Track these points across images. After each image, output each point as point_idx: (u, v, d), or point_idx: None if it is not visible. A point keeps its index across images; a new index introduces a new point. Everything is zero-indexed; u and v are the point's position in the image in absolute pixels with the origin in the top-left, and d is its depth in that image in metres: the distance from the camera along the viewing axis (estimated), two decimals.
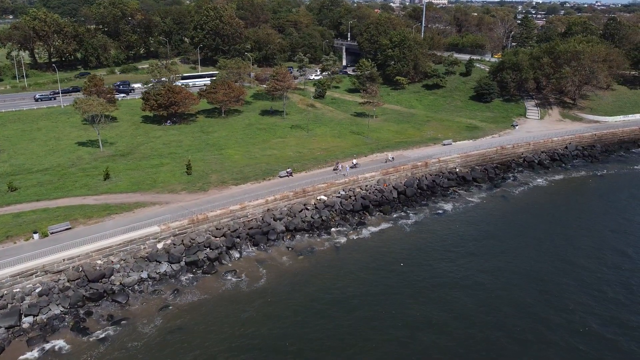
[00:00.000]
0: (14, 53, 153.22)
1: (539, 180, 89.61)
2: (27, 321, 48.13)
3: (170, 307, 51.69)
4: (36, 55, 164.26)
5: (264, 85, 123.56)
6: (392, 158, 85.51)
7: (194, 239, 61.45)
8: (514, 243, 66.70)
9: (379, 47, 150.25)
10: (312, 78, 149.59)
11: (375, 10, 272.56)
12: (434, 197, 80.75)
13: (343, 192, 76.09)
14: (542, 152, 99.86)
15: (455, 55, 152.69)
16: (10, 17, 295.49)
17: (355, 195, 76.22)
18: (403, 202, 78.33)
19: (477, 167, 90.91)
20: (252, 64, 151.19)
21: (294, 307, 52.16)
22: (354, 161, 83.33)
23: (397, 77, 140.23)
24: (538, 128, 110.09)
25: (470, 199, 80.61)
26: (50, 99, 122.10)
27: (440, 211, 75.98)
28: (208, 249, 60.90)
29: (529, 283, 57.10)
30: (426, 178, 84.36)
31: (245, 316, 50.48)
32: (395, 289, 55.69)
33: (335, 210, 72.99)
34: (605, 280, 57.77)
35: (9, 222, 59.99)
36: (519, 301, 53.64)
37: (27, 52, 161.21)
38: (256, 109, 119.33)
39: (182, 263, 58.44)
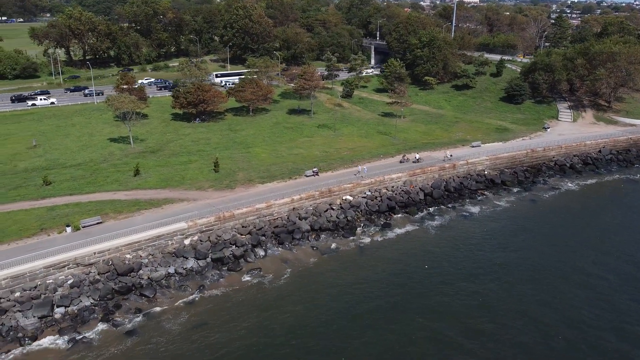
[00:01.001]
0: (50, 50, 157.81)
1: (570, 184, 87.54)
2: (59, 312, 49.54)
3: (196, 303, 52.47)
4: (71, 53, 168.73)
5: (292, 84, 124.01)
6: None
7: (220, 236, 62.22)
8: (543, 249, 65.34)
9: (408, 47, 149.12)
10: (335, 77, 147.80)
11: (405, 9, 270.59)
12: (461, 199, 79.78)
13: (369, 193, 75.86)
14: (574, 155, 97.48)
15: (486, 55, 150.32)
16: (48, 15, 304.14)
17: (381, 196, 75.91)
18: (429, 203, 77.63)
19: (506, 170, 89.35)
20: (280, 63, 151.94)
21: (317, 306, 52.29)
22: (417, 155, 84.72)
23: (426, 77, 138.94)
24: (570, 131, 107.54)
25: (498, 202, 79.32)
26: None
27: (467, 214, 75.02)
28: (234, 246, 61.57)
29: (556, 293, 55.86)
30: (454, 180, 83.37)
31: (268, 314, 50.84)
32: (418, 291, 55.27)
33: (361, 211, 72.84)
34: None
35: (44, 215, 61.82)
36: (544, 311, 52.56)
37: (62, 49, 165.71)
38: (284, 107, 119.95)
39: (208, 259, 59.24)
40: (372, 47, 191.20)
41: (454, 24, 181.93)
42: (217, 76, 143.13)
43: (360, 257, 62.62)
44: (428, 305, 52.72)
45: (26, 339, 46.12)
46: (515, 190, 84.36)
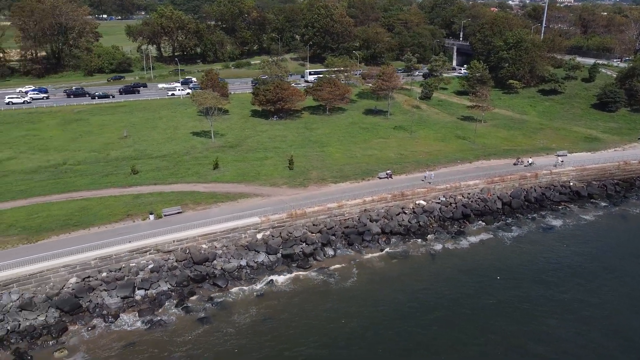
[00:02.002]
0: (143, 47, 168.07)
1: None
2: (139, 294, 52.71)
3: (265, 296, 53.79)
4: (162, 49, 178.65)
5: (370, 84, 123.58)
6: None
7: (291, 233, 63.32)
8: (632, 270, 60.52)
9: (493, 49, 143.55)
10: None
11: (492, 8, 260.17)
12: (542, 211, 75.75)
13: (443, 199, 73.99)
14: None
15: (578, 59, 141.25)
16: (143, 13, 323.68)
17: (456, 203, 73.79)
18: (507, 213, 74.43)
19: (594, 183, 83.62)
20: (359, 62, 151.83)
21: (383, 310, 51.85)
22: (530, 160, 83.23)
23: (511, 81, 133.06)
24: None
25: (583, 216, 74.46)
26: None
27: (547, 226, 71.13)
28: (304, 243, 62.43)
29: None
30: (535, 190, 79.28)
31: (333, 314, 51.08)
32: (487, 303, 53.21)
33: (434, 217, 71.24)
34: None
35: (130, 202, 66.01)
36: (625, 337, 48.68)
37: (154, 46, 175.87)
38: (360, 107, 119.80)
39: (279, 255, 60.50)
40: (454, 48, 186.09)
41: (544, 25, 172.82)
42: (310, 74, 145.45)
43: (430, 264, 61.30)
44: (498, 319, 50.58)
45: (109, 316, 49.48)
46: (603, 204, 78.77)
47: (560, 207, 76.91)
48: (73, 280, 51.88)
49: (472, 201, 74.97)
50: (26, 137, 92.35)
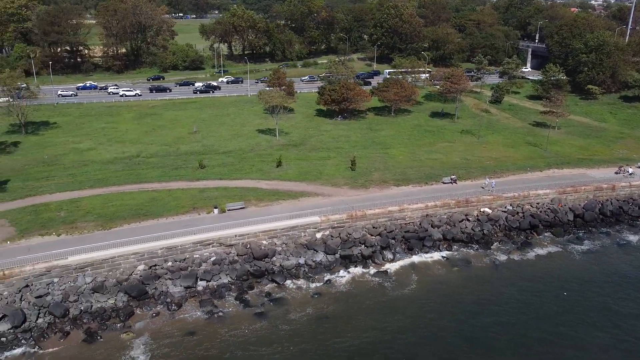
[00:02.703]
0: (215, 45, 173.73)
1: None
2: (201, 285, 54.55)
3: (321, 296, 54.04)
4: (232, 48, 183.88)
5: (437, 86, 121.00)
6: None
7: (350, 234, 63.22)
8: None
9: (571, 51, 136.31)
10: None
11: (572, 9, 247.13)
12: (618, 225, 71.15)
13: (510, 207, 71.17)
14: None
15: None
16: (216, 12, 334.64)
17: (523, 212, 70.74)
18: (579, 226, 70.53)
19: None
20: (427, 63, 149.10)
21: (440, 320, 50.60)
22: (630, 169, 79.88)
23: (589, 86, 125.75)
24: None
25: None
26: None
27: (623, 242, 66.73)
28: (363, 245, 62.14)
29: None
30: (611, 203, 74.51)
31: (389, 319, 50.49)
32: (553, 320, 50.59)
33: (499, 225, 68.70)
34: None
35: (196, 195, 68.45)
36: None
37: (225, 44, 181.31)
38: (426, 110, 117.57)
39: (337, 255, 60.57)
40: (529, 50, 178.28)
41: (629, 27, 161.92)
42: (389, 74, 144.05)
43: (493, 275, 59.16)
44: (562, 339, 47.97)
45: (173, 304, 51.55)
46: None
47: (639, 222, 71.89)
48: (141, 267, 54.54)
49: (541, 211, 71.64)
50: (105, 129, 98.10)
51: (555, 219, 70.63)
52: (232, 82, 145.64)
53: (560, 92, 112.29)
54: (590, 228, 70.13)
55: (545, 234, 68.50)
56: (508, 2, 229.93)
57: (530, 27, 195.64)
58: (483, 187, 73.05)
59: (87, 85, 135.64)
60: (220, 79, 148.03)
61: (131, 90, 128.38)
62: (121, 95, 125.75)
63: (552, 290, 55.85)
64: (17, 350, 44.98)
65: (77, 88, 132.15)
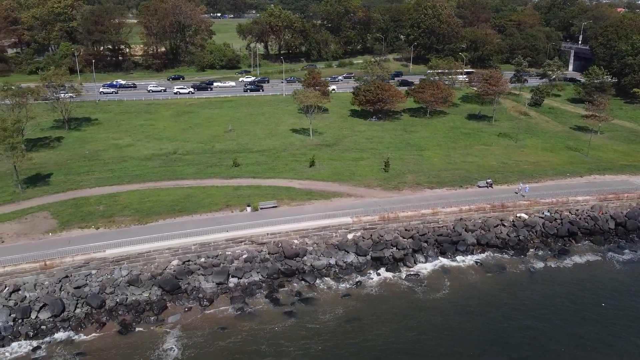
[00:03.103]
0: (252, 45, 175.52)
1: None
2: (232, 281, 55.24)
3: (351, 297, 53.87)
4: (269, 47, 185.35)
5: (475, 88, 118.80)
6: None
7: (382, 236, 62.78)
8: None
9: (617, 53, 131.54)
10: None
11: (618, 9, 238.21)
12: None
13: (548, 214, 69.22)
14: None
15: None
16: (253, 11, 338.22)
17: (561, 219, 68.72)
18: (620, 234, 68.09)
19: None
20: (465, 65, 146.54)
21: (472, 327, 49.69)
22: None
23: (635, 89, 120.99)
24: None
25: None
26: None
27: None
28: (394, 248, 61.62)
29: None
30: None
31: (419, 323, 49.92)
32: (590, 332, 48.90)
33: (536, 232, 66.96)
34: None
35: (230, 193, 69.33)
36: None
37: (261, 44, 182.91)
38: (463, 112, 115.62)
39: (368, 257, 60.26)
40: (572, 51, 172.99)
41: None
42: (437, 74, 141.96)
43: (528, 282, 57.70)
44: (600, 353, 46.31)
45: (204, 300, 52.38)
46: None
47: None
48: (175, 262, 55.64)
49: (580, 218, 69.45)
50: (144, 126, 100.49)
51: (595, 227, 68.35)
52: (251, 83, 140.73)
53: (603, 96, 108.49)
54: (632, 237, 67.55)
55: (584, 241, 66.48)
56: (550, 2, 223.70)
57: (573, 28, 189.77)
58: (517, 192, 71.28)
59: (114, 83, 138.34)
60: (240, 79, 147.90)
61: (185, 88, 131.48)
62: (175, 93, 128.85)
63: (589, 300, 54.09)
64: (56, 337, 46.61)
65: (103, 86, 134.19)
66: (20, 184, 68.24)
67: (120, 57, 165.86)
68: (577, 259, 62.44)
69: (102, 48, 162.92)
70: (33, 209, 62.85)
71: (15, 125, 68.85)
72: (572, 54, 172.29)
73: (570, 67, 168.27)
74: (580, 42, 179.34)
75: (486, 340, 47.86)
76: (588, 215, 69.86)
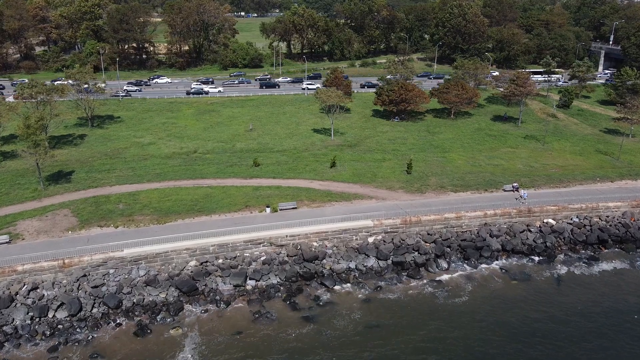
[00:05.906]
0: (275, 44, 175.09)
1: None
2: (250, 284, 54.42)
3: (371, 302, 52.55)
4: (292, 46, 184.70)
5: (501, 89, 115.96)
6: None
7: (404, 240, 61.26)
8: None
9: None
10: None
11: None
12: None
13: (576, 220, 66.73)
14: None
15: None
16: (277, 10, 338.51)
17: (591, 225, 66.12)
18: None
19: None
20: (491, 65, 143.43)
21: (495, 337, 47.83)
22: None
23: None
24: None
25: None
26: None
27: None
28: (416, 252, 60.04)
29: None
30: None
31: (441, 331, 48.32)
32: (621, 345, 46.58)
33: (564, 238, 64.57)
34: None
35: (250, 193, 68.60)
36: None
37: (284, 43, 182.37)
38: (488, 113, 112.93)
39: (389, 261, 58.84)
40: (602, 52, 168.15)
41: None
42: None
43: (555, 290, 55.53)
44: None
45: (221, 302, 51.69)
46: None
47: None
48: (193, 263, 55.12)
49: (610, 225, 66.81)
50: (165, 125, 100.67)
51: (626, 234, 65.62)
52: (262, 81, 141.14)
53: (636, 98, 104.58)
54: None
55: (615, 249, 63.88)
56: (580, 2, 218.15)
57: (604, 28, 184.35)
58: (517, 199, 68.51)
59: (134, 82, 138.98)
60: (255, 79, 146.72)
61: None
62: (219, 91, 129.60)
63: (620, 310, 51.75)
64: (73, 337, 46.37)
65: (127, 84, 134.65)
66: (42, 181, 68.73)
67: (144, 56, 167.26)
68: (606, 267, 60.06)
69: (126, 46, 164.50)
70: (54, 207, 63.14)
71: (39, 122, 69.40)
72: (602, 55, 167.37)
73: (600, 68, 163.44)
74: (611, 43, 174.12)
75: (511, 351, 46.00)
76: (619, 222, 67.14)
